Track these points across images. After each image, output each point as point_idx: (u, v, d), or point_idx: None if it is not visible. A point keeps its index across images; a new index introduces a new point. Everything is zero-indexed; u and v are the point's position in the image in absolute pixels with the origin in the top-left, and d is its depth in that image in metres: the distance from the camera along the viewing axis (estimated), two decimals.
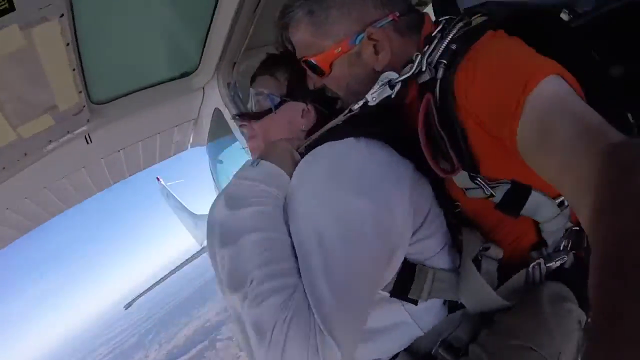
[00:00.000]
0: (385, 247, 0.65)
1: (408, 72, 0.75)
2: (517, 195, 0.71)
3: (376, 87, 0.77)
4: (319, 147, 0.73)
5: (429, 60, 0.73)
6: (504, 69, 0.63)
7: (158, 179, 13.20)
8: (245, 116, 0.97)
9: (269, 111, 0.92)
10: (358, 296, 0.61)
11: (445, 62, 0.70)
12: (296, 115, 0.93)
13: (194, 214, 12.29)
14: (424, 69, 0.73)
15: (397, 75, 0.76)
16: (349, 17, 0.80)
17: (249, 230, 0.64)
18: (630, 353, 0.27)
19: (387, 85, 0.76)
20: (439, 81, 0.70)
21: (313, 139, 0.82)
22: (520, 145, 0.59)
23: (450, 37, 0.72)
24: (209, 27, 1.48)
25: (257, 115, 0.93)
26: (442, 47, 0.71)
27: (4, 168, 1.48)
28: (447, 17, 0.78)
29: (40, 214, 2.24)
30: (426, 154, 0.71)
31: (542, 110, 0.57)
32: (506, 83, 0.61)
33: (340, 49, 0.81)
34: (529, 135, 0.58)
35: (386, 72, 0.77)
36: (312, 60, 0.85)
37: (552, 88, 0.58)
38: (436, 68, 0.71)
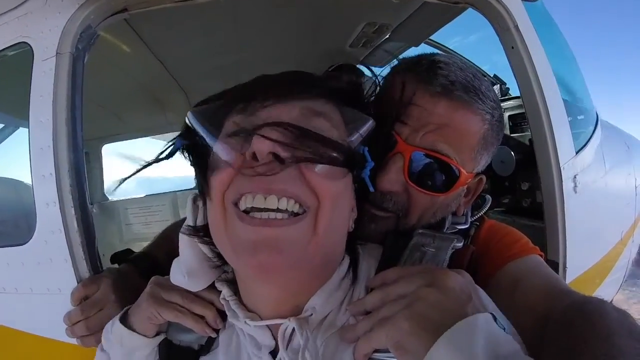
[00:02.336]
0: None
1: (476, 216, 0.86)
2: None
3: (446, 224, 0.80)
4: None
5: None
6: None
7: None
8: (304, 136, 0.50)
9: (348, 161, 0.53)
10: None
11: (477, 224, 0.87)
12: (351, 204, 0.60)
13: None
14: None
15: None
16: (489, 158, 0.80)
17: None
18: None
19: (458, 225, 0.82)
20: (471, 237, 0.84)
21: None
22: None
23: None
24: None
25: (334, 161, 0.51)
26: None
27: None
28: None
29: None
30: None
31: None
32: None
33: (470, 180, 0.78)
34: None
35: (453, 217, 0.82)
36: (456, 168, 0.72)
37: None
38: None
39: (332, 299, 0.56)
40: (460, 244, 0.72)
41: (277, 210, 0.48)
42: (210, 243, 0.59)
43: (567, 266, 1.15)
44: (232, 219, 0.50)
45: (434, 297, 0.48)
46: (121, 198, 2.65)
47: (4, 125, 1.58)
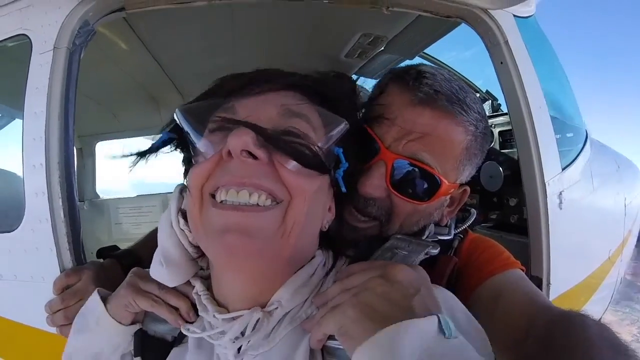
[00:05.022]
0: None
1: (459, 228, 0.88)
2: None
3: (426, 232, 0.81)
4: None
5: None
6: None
7: None
8: (271, 138, 0.52)
9: (318, 164, 0.55)
10: None
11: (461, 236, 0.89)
12: (327, 202, 0.62)
13: None
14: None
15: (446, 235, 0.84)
16: (473, 169, 0.82)
17: None
18: None
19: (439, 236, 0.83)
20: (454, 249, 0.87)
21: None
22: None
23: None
24: None
25: (306, 160, 0.53)
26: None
27: None
28: None
29: None
30: None
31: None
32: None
33: (453, 189, 0.79)
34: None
35: (436, 228, 0.84)
36: (438, 177, 0.73)
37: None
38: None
39: (298, 295, 0.57)
40: (435, 251, 0.73)
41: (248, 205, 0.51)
42: (189, 231, 0.61)
43: (550, 282, 1.15)
44: (207, 207, 0.52)
45: (381, 288, 0.50)
46: (112, 197, 2.64)
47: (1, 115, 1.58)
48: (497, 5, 1.07)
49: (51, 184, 0.84)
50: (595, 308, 1.75)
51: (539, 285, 1.14)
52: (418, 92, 0.73)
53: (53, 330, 0.83)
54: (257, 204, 0.51)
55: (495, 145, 1.96)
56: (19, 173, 1.07)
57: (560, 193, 1.20)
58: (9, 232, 0.89)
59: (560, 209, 1.19)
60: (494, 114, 2.11)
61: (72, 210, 0.85)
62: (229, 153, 0.50)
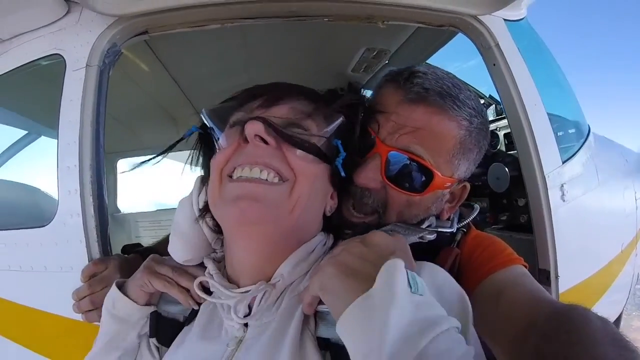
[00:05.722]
0: None
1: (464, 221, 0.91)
2: None
3: (426, 223, 0.83)
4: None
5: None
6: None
7: None
8: (277, 130, 0.62)
9: (319, 153, 0.65)
10: None
11: (464, 230, 0.92)
12: (328, 190, 0.71)
13: None
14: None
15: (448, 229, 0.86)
16: (471, 165, 0.84)
17: None
18: None
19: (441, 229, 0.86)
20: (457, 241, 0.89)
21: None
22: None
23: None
24: None
25: (308, 147, 0.64)
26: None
27: None
28: None
29: None
30: None
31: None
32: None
33: (449, 183, 0.82)
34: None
35: (437, 221, 0.86)
36: (430, 169, 0.77)
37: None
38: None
39: (298, 269, 0.64)
40: (431, 237, 0.78)
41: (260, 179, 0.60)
42: (209, 216, 0.69)
43: (558, 275, 1.15)
44: (225, 184, 0.62)
45: (358, 249, 0.55)
46: (133, 211, 2.77)
47: (27, 132, 1.70)
48: (483, 11, 1.14)
49: (83, 183, 0.94)
50: (608, 310, 1.70)
51: (547, 279, 1.14)
52: (409, 92, 0.78)
53: (79, 317, 0.90)
54: (267, 179, 0.59)
55: (501, 147, 2.00)
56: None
57: (562, 185, 1.21)
58: (40, 227, 0.98)
59: (563, 201, 1.20)
60: (498, 117, 2.14)
61: (101, 206, 0.95)
62: (245, 139, 0.61)
